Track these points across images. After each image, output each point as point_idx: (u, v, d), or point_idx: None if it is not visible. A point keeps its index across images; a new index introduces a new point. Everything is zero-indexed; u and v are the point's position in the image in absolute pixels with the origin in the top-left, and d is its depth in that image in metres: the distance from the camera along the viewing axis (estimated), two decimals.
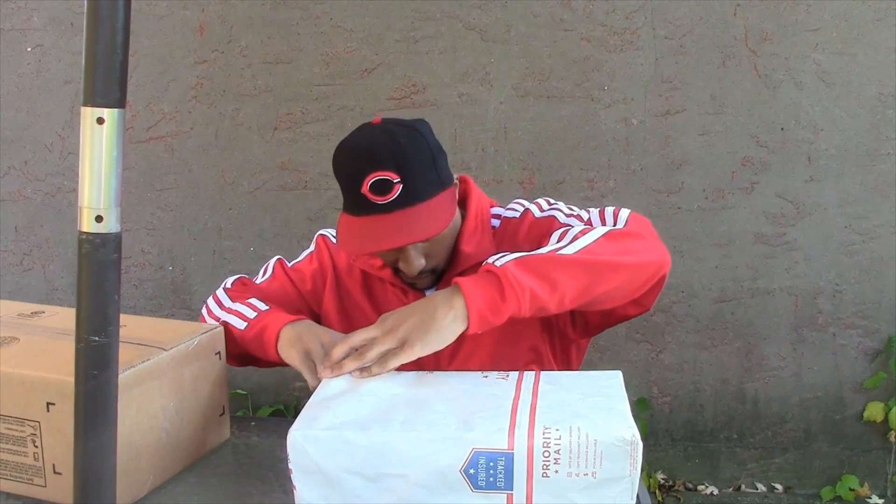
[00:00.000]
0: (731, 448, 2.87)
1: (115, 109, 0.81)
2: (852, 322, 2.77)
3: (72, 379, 0.85)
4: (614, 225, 1.28)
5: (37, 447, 1.18)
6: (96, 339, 0.83)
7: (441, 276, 1.40)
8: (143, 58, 2.80)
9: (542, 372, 1.15)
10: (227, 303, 1.45)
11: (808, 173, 2.70)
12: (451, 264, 1.40)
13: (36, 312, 1.45)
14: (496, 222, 1.45)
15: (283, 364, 1.33)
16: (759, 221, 2.74)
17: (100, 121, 0.81)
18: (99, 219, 0.81)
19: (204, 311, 1.49)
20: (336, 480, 0.98)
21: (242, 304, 1.41)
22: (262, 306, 1.38)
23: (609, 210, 1.34)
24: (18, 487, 1.22)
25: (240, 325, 1.37)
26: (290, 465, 1.00)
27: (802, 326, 2.79)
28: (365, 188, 1.26)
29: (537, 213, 1.42)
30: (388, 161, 1.26)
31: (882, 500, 2.80)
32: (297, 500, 1.01)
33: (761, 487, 2.87)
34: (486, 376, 1.13)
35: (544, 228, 1.36)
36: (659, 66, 2.68)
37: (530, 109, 2.72)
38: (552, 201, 1.45)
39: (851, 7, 2.60)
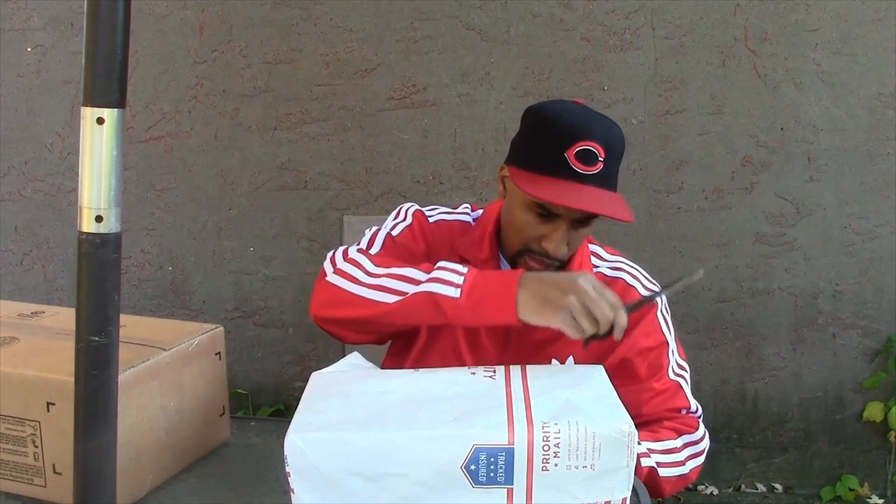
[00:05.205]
0: (731, 448, 2.87)
1: (115, 109, 0.81)
2: (852, 322, 2.77)
3: (72, 379, 0.85)
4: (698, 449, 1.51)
5: (37, 447, 1.18)
6: (96, 339, 0.83)
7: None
8: (143, 58, 2.80)
9: (527, 366, 1.15)
10: (379, 268, 1.28)
11: (807, 173, 2.70)
12: None
13: (36, 312, 1.45)
14: (594, 263, 1.47)
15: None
16: (758, 221, 2.74)
17: (100, 121, 0.81)
18: (99, 219, 0.82)
19: (342, 281, 1.28)
20: (335, 482, 0.98)
21: (433, 270, 1.23)
22: (461, 268, 1.22)
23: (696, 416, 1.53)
24: (18, 487, 1.22)
25: (450, 291, 1.19)
26: (288, 469, 0.99)
27: (802, 326, 2.79)
28: (571, 153, 1.27)
29: (662, 326, 1.44)
30: (600, 136, 1.29)
31: (882, 500, 2.80)
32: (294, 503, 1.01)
33: (761, 487, 2.87)
34: (474, 373, 1.14)
35: (656, 359, 1.44)
36: (659, 66, 2.68)
37: None
38: (650, 280, 1.47)
39: (851, 7, 2.60)
